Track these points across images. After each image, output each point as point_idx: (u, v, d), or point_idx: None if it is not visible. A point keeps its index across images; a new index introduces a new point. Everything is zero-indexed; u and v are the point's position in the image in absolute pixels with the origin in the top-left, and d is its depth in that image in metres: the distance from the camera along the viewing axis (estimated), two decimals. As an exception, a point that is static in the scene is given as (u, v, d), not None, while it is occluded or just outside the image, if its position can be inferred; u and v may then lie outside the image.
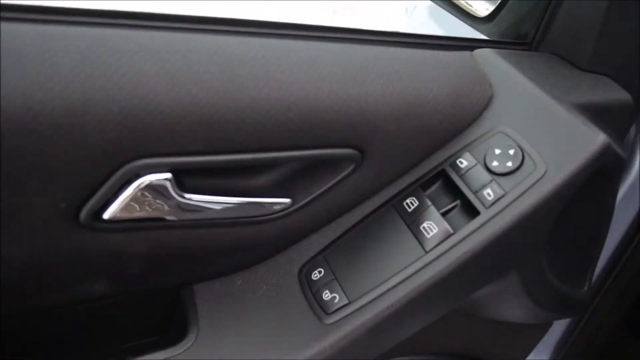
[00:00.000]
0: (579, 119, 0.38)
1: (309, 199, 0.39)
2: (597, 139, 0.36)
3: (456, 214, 0.38)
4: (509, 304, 0.48)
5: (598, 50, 0.44)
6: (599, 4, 0.42)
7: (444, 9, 0.56)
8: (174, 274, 0.41)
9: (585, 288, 0.53)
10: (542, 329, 0.62)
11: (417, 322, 0.41)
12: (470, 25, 0.52)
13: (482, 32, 0.51)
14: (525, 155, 0.37)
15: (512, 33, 0.50)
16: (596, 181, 0.41)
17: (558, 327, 0.77)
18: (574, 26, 0.45)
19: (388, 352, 0.47)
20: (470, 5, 0.53)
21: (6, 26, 0.30)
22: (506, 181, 0.37)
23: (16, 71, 0.29)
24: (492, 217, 0.36)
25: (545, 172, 0.36)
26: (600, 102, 0.43)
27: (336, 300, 0.38)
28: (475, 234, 0.36)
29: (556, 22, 0.46)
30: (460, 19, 0.54)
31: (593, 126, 0.37)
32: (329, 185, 0.39)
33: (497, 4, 0.50)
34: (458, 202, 0.39)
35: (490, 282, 0.41)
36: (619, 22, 0.43)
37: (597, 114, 0.41)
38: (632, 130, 0.59)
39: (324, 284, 0.39)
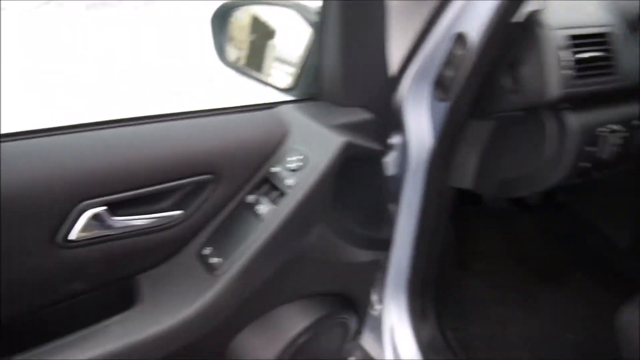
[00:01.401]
0: (332, 131, 0.69)
1: (194, 209, 0.67)
2: (339, 140, 0.67)
3: (276, 198, 0.68)
4: (337, 248, 0.77)
5: (348, 94, 0.77)
6: (337, 72, 0.75)
7: (259, 83, 0.88)
8: (121, 270, 0.66)
9: (385, 231, 0.83)
10: (372, 265, 0.91)
11: (272, 264, 0.68)
12: (280, 92, 0.84)
13: (287, 95, 0.83)
14: (305, 157, 0.68)
15: (304, 93, 0.82)
16: (362, 163, 0.72)
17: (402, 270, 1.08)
18: (332, 83, 0.77)
19: (272, 300, 0.74)
20: (276, 82, 0.85)
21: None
22: (297, 173, 0.67)
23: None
24: (293, 194, 0.66)
25: (317, 164, 0.67)
26: (352, 122, 0.75)
27: (218, 262, 0.66)
28: (286, 206, 0.66)
29: (324, 83, 0.78)
30: (273, 89, 0.85)
31: (338, 134, 0.69)
32: (203, 198, 0.67)
33: (293, 80, 0.83)
34: (277, 192, 0.68)
35: (308, 232, 0.70)
36: (355, 75, 0.76)
37: (351, 128, 0.73)
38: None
39: (211, 255, 0.67)
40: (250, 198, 0.68)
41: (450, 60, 0.85)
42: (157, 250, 0.68)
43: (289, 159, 0.68)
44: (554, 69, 0.73)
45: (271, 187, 0.68)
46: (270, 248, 0.65)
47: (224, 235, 0.68)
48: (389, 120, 0.87)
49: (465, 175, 0.97)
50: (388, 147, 0.93)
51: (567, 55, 0.73)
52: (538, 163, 0.83)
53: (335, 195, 0.70)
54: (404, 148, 0.96)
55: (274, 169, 0.69)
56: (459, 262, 1.41)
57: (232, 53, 0.93)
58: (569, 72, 0.73)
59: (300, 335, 0.84)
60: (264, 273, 0.68)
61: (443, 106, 0.88)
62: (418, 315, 1.12)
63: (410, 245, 1.04)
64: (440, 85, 0.89)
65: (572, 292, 1.33)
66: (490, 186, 0.95)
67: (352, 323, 0.98)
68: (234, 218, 0.68)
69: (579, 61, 0.74)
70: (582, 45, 0.74)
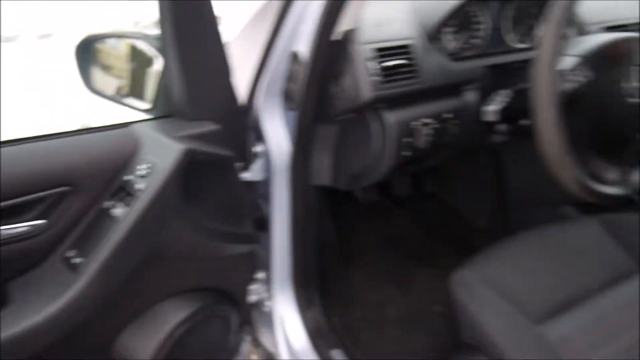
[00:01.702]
0: (176, 141, 0.80)
1: (56, 218, 0.75)
2: (180, 148, 0.79)
3: (129, 202, 0.77)
4: (199, 244, 0.88)
5: (194, 110, 0.88)
6: (182, 91, 0.86)
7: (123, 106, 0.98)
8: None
9: (246, 226, 0.96)
10: (241, 258, 1.03)
11: (130, 259, 0.78)
12: (141, 112, 0.94)
13: (146, 114, 0.93)
14: (153, 165, 0.78)
15: (160, 112, 0.93)
16: (212, 167, 0.83)
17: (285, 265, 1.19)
18: (180, 101, 0.88)
19: (147, 299, 0.83)
20: (137, 104, 0.95)
21: None
22: (146, 179, 0.78)
23: None
24: (143, 196, 0.76)
25: (162, 169, 0.77)
26: (197, 133, 0.86)
27: (80, 261, 0.74)
28: (137, 207, 0.76)
29: (173, 101, 0.89)
30: (135, 110, 0.96)
31: (180, 143, 0.80)
32: (64, 207, 0.76)
33: (151, 102, 0.93)
34: (130, 197, 0.78)
35: (162, 229, 0.80)
36: (199, 93, 0.88)
37: (196, 138, 0.84)
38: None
39: (74, 256, 0.75)
40: (107, 204, 0.77)
41: (291, 75, 0.99)
42: (25, 257, 0.75)
43: (139, 167, 0.78)
44: (364, 77, 0.89)
45: (125, 193, 0.78)
46: (126, 245, 0.75)
47: (86, 239, 0.76)
48: (241, 130, 0.99)
49: (322, 173, 1.11)
50: (251, 155, 1.05)
51: (374, 65, 0.89)
52: (371, 156, 0.99)
53: (187, 195, 0.81)
54: (266, 154, 1.08)
55: (126, 178, 0.78)
56: (342, 255, 1.55)
57: (97, 80, 1.02)
58: (377, 78, 0.89)
59: (175, 329, 0.93)
60: (124, 268, 0.77)
61: (292, 115, 1.02)
62: (304, 305, 1.24)
63: (288, 241, 1.17)
64: (288, 97, 1.02)
65: (439, 272, 1.50)
66: (343, 180, 1.10)
67: (233, 316, 1.08)
68: (94, 223, 0.77)
69: (385, 69, 0.90)
70: (387, 55, 0.91)
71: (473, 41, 1.05)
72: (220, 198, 0.92)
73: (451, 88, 1.00)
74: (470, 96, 1.01)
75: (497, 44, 1.08)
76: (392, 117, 0.94)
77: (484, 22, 1.05)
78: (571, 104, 0.82)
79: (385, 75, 0.90)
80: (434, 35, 0.97)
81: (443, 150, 1.06)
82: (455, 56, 1.03)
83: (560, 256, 1.00)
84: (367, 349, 1.27)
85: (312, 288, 1.26)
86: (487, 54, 1.05)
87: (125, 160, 0.79)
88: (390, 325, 1.35)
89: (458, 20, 1.02)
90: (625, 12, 1.22)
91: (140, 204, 0.75)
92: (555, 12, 0.74)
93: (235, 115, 0.97)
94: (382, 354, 1.26)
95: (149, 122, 0.87)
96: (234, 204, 0.96)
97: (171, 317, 0.92)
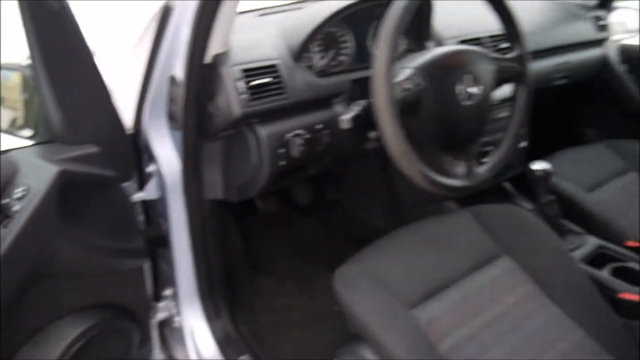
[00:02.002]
0: (51, 164, 0.85)
1: None
2: (54, 170, 0.83)
3: (7, 224, 0.81)
4: (86, 261, 0.92)
5: (73, 135, 0.93)
6: (60, 118, 0.91)
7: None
8: None
9: (135, 242, 1.01)
10: (134, 272, 1.08)
11: (13, 278, 0.81)
12: (25, 139, 0.98)
13: (30, 141, 0.97)
14: (29, 187, 0.83)
15: (42, 138, 0.97)
16: (95, 187, 0.89)
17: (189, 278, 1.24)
18: (59, 127, 0.93)
19: (41, 318, 0.87)
20: (21, 132, 0.98)
21: None
22: (22, 201, 0.82)
23: None
24: (19, 217, 0.80)
25: (37, 191, 0.82)
26: (76, 156, 0.91)
27: None
28: (14, 227, 0.80)
29: (53, 127, 0.94)
30: (19, 137, 0.99)
31: (55, 165, 0.84)
32: None
33: (33, 129, 0.97)
34: (8, 219, 0.82)
35: (43, 247, 0.84)
36: (77, 118, 0.94)
37: (75, 161, 0.89)
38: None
39: None
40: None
41: (172, 98, 1.06)
42: None
43: (16, 190, 0.82)
44: (234, 96, 0.97)
45: (3, 215, 0.82)
46: (7, 264, 0.78)
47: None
48: (128, 151, 1.05)
49: (214, 188, 1.18)
50: (146, 175, 1.11)
51: (242, 85, 0.98)
52: (252, 167, 1.07)
53: (68, 214, 0.86)
54: (159, 174, 1.14)
55: (4, 201, 0.82)
56: (250, 264, 1.62)
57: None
58: (245, 96, 0.98)
59: (71, 345, 0.96)
60: (9, 286, 0.81)
61: (178, 134, 1.08)
62: (212, 315, 1.29)
63: (189, 255, 1.22)
64: (171, 118, 1.09)
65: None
66: (233, 192, 1.17)
67: (133, 331, 1.11)
68: None
69: (253, 87, 0.99)
70: (254, 75, 1.00)
71: (340, 58, 1.17)
72: (107, 216, 0.97)
73: (320, 101, 1.11)
74: (339, 108, 1.12)
75: (363, 59, 1.20)
76: (264, 131, 1.03)
77: (349, 41, 1.17)
78: (413, 109, 0.94)
79: (253, 93, 0.99)
80: (299, 55, 1.08)
81: (320, 159, 1.16)
82: (323, 73, 1.14)
83: (434, 246, 1.11)
84: (274, 353, 1.34)
85: (219, 299, 1.31)
86: (353, 69, 1.17)
87: (3, 184, 0.83)
88: (296, 328, 1.43)
89: (323, 40, 1.13)
90: (479, 27, 1.39)
91: (16, 225, 0.79)
92: (385, 31, 0.86)
93: (119, 137, 1.02)
94: (288, 356, 1.34)
95: (29, 149, 0.91)
96: (122, 221, 1.01)
97: (67, 334, 0.96)
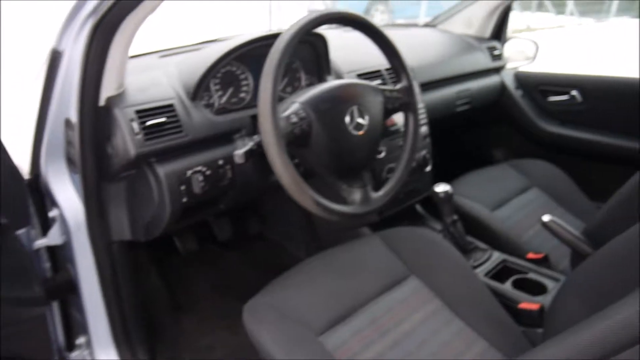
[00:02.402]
0: None
1: None
2: None
3: None
4: None
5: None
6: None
7: None
8: None
9: (34, 290, 0.99)
10: (36, 320, 1.04)
11: None
12: None
13: None
14: None
15: None
16: None
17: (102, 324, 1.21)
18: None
19: None
20: None
21: None
22: None
23: None
24: None
25: None
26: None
27: None
28: None
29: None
30: None
31: None
32: None
33: None
34: None
35: None
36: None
37: None
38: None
39: None
40: None
41: (68, 140, 1.06)
42: None
43: None
44: (129, 136, 0.98)
45: None
46: None
47: None
48: (23, 197, 1.03)
49: (121, 229, 1.16)
50: (50, 220, 1.08)
51: (136, 125, 0.99)
52: (155, 205, 1.07)
53: None
54: (62, 218, 1.12)
55: None
56: (172, 305, 1.59)
57: None
58: (140, 136, 0.99)
59: None
60: None
61: (78, 177, 1.07)
62: None
63: (101, 300, 1.19)
64: (70, 161, 1.08)
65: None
66: (141, 232, 1.16)
67: None
68: None
69: (148, 127, 1.00)
70: (149, 115, 1.02)
71: (241, 95, 1.21)
72: (1, 265, 0.94)
73: (220, 138, 1.13)
74: (240, 143, 1.15)
75: None
76: (163, 169, 1.04)
77: (249, 79, 1.21)
78: (303, 141, 0.98)
79: (149, 133, 1.00)
80: (195, 94, 1.10)
81: (226, 194, 1.18)
82: (223, 110, 1.17)
83: (344, 272, 1.14)
84: None
85: (136, 343, 1.28)
86: (253, 105, 1.21)
87: None
88: (220, 366, 1.41)
89: (222, 79, 1.17)
90: (378, 61, 1.47)
91: None
92: (266, 68, 0.90)
93: (12, 183, 1.00)
94: None
95: None
96: (18, 269, 0.98)
97: None
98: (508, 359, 1.01)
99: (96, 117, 0.98)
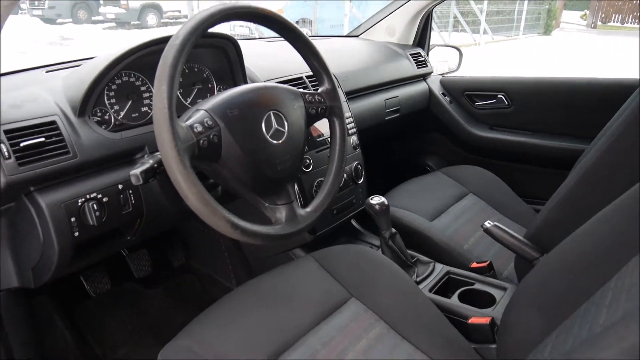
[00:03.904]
0: None
1: None
2: None
3: None
4: None
5: None
6: None
7: None
8: None
9: None
10: None
11: None
12: None
13: None
14: None
15: None
16: None
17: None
18: None
19: None
20: None
21: None
22: None
23: None
24: None
25: None
26: None
27: None
28: None
29: None
30: None
31: None
32: None
33: None
34: None
35: None
36: None
37: None
38: None
39: None
40: None
41: None
42: None
43: None
44: (-1, 161, 0.80)
45: None
46: None
47: None
48: None
49: (7, 275, 0.97)
50: None
51: (4, 148, 0.81)
52: (42, 243, 0.89)
53: None
54: None
55: None
56: (90, 355, 1.38)
57: None
58: (11, 161, 0.82)
59: None
60: None
61: None
62: None
63: None
64: None
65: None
66: (29, 277, 0.97)
67: None
68: None
69: (25, 149, 0.83)
70: (26, 135, 0.84)
71: (143, 109, 1.05)
72: None
73: (118, 158, 0.97)
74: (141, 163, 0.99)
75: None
76: (45, 199, 0.86)
77: (149, 91, 1.06)
78: (213, 154, 0.84)
79: (23, 157, 0.83)
80: (83, 109, 0.94)
81: (132, 223, 1.01)
82: (122, 126, 1.01)
83: (275, 301, 1.00)
84: None
85: None
86: None
87: None
88: None
89: (117, 91, 1.01)
90: (300, 68, 1.36)
91: None
92: (159, 73, 0.76)
93: None
94: None
95: None
96: None
97: None
98: None
99: None
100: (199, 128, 0.80)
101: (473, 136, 1.97)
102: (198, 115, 0.82)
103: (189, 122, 0.80)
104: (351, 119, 1.46)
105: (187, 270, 1.69)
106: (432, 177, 1.73)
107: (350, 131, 1.45)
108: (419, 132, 2.14)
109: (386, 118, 1.78)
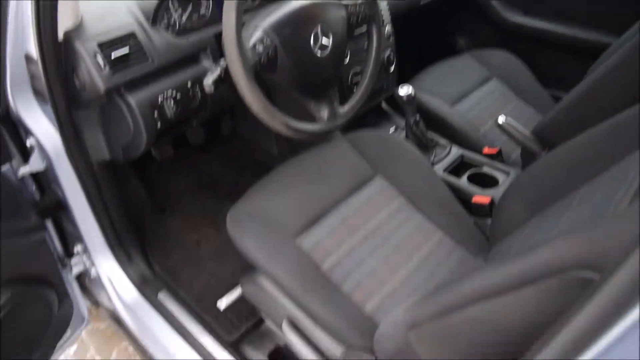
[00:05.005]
0: None
1: None
2: None
3: None
4: None
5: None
6: None
7: None
8: None
9: (29, 219, 1.07)
10: (40, 244, 1.14)
11: None
12: None
13: None
14: None
15: None
16: None
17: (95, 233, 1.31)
18: None
19: None
20: None
21: None
22: None
23: None
24: None
25: None
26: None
27: None
28: None
29: None
30: None
31: None
32: None
33: None
34: None
35: None
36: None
37: None
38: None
39: None
40: None
41: (31, 75, 1.06)
42: None
43: None
44: (95, 71, 0.99)
45: None
46: None
47: None
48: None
49: (99, 150, 1.21)
50: (29, 149, 1.11)
51: (101, 60, 0.99)
52: (132, 132, 1.12)
53: None
54: (39, 146, 1.16)
55: None
56: (156, 208, 1.69)
57: None
58: (106, 71, 1.00)
59: None
60: None
61: (49, 107, 1.09)
62: (125, 262, 1.38)
63: (90, 214, 1.27)
64: (37, 93, 1.09)
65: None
66: (119, 154, 1.22)
67: (48, 292, 1.18)
68: None
69: (113, 59, 1.01)
70: (112, 46, 1.01)
71: (202, 12, 1.19)
72: None
73: (186, 59, 1.14)
74: (207, 62, 1.16)
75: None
76: (134, 98, 1.06)
77: None
78: (270, 67, 1.01)
79: (115, 66, 1.01)
80: (155, 16, 1.08)
81: (198, 113, 1.22)
82: (184, 30, 1.15)
83: (314, 177, 1.23)
84: (188, 284, 1.47)
85: (128, 245, 1.40)
86: (215, 22, 1.19)
87: None
88: (207, 261, 1.55)
89: None
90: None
91: None
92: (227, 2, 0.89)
93: None
94: (202, 287, 1.47)
95: None
96: (11, 203, 1.04)
97: None
98: (460, 246, 1.16)
99: (57, 52, 0.98)
100: (260, 48, 0.96)
101: (506, 20, 2.00)
102: (258, 35, 0.97)
103: (251, 43, 0.96)
104: (386, 9, 1.54)
105: (235, 137, 1.92)
106: (459, 61, 1.83)
107: (384, 22, 1.54)
108: (452, 13, 2.15)
109: (422, 2, 1.82)
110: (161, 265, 1.51)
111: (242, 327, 1.35)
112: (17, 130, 1.17)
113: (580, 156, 0.96)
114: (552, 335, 0.48)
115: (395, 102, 1.67)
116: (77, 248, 1.38)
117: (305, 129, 1.04)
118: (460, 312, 0.67)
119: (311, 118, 1.10)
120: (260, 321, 1.29)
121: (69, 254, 1.40)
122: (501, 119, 1.34)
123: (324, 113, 1.11)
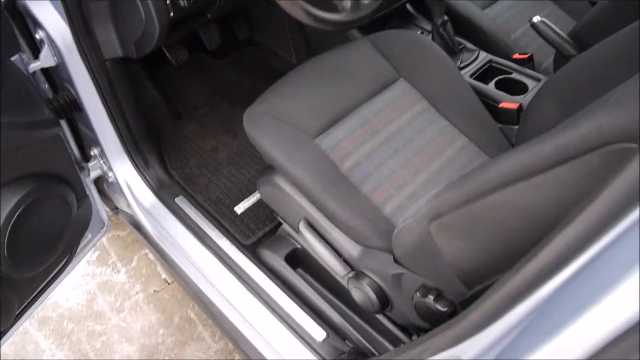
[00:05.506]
0: None
1: None
2: None
3: None
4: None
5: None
6: None
7: None
8: None
9: (42, 112, 1.05)
10: (55, 140, 1.13)
11: None
12: None
13: None
14: None
15: None
16: None
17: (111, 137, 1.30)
18: None
19: None
20: None
21: None
22: None
23: None
24: None
25: None
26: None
27: None
28: None
29: None
30: None
31: None
32: None
33: None
34: None
35: None
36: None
37: None
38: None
39: None
40: None
41: None
42: None
43: None
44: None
45: None
46: None
47: None
48: (5, 24, 1.01)
49: (111, 46, 1.16)
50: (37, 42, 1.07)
51: None
52: (144, 21, 1.06)
53: None
54: (49, 40, 1.11)
55: None
56: (172, 113, 1.67)
57: None
58: None
59: (9, 217, 1.01)
60: None
61: None
62: (142, 166, 1.38)
63: (105, 115, 1.25)
64: None
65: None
66: (132, 49, 1.17)
67: (66, 191, 1.18)
68: None
69: None
70: None
71: None
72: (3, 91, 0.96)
73: None
74: None
75: None
76: None
77: None
78: None
79: None
80: None
81: (213, 3, 1.15)
82: None
83: (335, 77, 1.17)
84: (205, 190, 1.47)
85: (145, 150, 1.39)
86: None
87: None
88: (224, 166, 1.54)
89: None
90: None
91: None
92: None
93: None
94: (219, 191, 1.47)
95: None
96: (23, 93, 1.01)
97: (1, 207, 1.00)
98: (483, 152, 1.12)
99: None
100: None
101: None
102: None
103: None
104: None
105: (251, 43, 1.85)
106: None
107: None
108: None
109: None
110: (178, 171, 1.50)
111: (259, 232, 1.35)
112: (24, 22, 1.12)
113: (618, 54, 0.89)
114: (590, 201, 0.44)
115: (421, 4, 1.57)
116: (94, 151, 1.37)
117: (326, 18, 0.97)
118: (485, 199, 0.64)
119: (333, 9, 1.02)
120: (277, 226, 1.29)
121: (86, 158, 1.39)
122: (536, 18, 1.25)
123: (347, 2, 1.03)
